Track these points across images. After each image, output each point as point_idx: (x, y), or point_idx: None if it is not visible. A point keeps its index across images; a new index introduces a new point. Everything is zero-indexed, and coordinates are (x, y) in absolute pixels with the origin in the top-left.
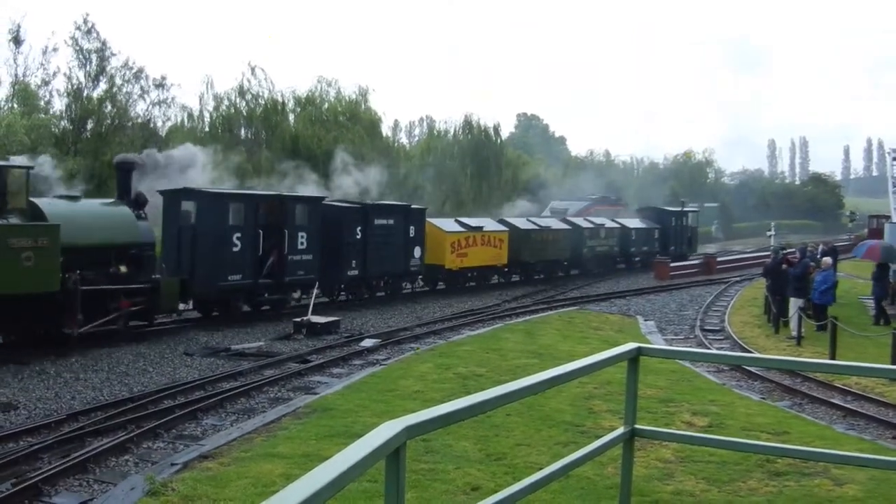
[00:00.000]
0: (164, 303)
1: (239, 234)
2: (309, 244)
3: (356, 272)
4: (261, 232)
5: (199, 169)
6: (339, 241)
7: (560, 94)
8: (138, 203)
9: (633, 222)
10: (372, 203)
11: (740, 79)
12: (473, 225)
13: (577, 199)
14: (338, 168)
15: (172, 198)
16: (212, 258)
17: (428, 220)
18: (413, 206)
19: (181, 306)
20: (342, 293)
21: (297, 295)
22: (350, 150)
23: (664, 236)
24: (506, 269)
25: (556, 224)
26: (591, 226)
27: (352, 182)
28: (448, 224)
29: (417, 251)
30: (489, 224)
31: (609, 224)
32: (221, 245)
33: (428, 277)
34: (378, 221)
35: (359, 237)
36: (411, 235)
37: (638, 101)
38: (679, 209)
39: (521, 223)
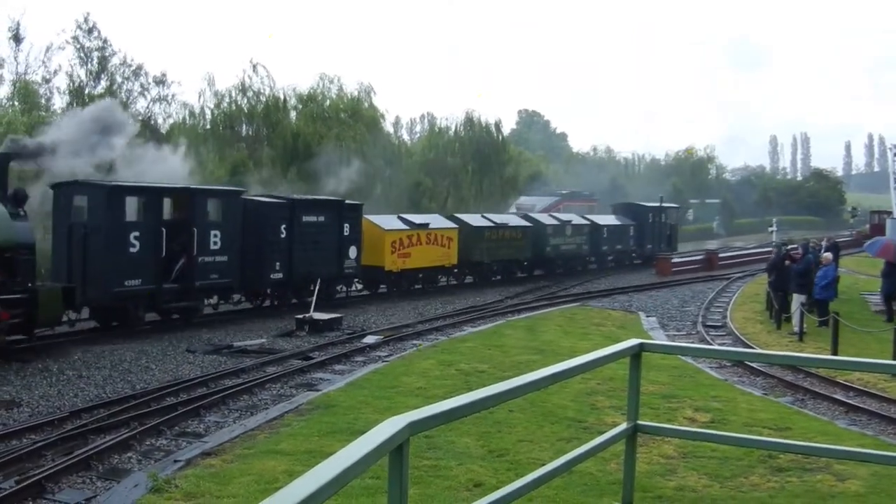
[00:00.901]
0: (42, 314)
1: (137, 233)
2: (224, 244)
3: (280, 275)
4: (164, 230)
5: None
6: (261, 240)
7: (561, 91)
8: (17, 199)
9: (606, 219)
10: (299, 198)
11: (741, 77)
12: (418, 222)
13: (546, 195)
14: (321, 168)
15: (64, 192)
16: (105, 260)
17: (366, 217)
18: (347, 202)
19: (74, 315)
20: (268, 299)
21: (213, 301)
22: (351, 147)
23: (640, 234)
24: (455, 271)
25: (514, 221)
26: (555, 222)
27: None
28: (388, 221)
29: (353, 251)
30: (436, 221)
31: (577, 221)
32: (117, 245)
33: (366, 280)
34: (307, 218)
35: (284, 236)
36: (345, 234)
37: (639, 99)
38: (657, 205)
39: (474, 219)
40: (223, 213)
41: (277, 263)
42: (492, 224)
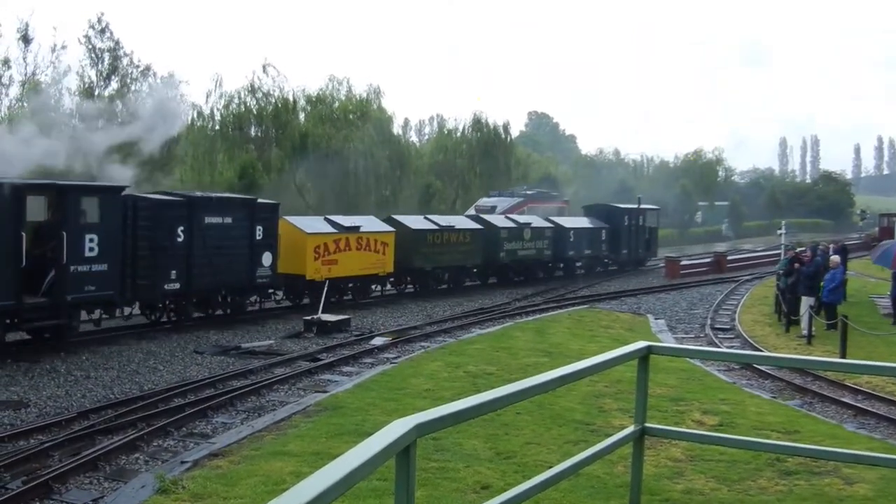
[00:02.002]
0: None
1: None
2: (102, 250)
3: (177, 286)
4: (24, 234)
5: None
6: (153, 245)
7: (570, 92)
8: None
9: (574, 221)
10: (200, 195)
11: (749, 78)
12: (347, 225)
13: (508, 195)
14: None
15: None
16: None
17: (285, 218)
18: (260, 201)
19: None
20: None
21: (94, 316)
22: (359, 148)
23: (614, 238)
24: (391, 279)
25: (462, 223)
26: (510, 225)
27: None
28: (312, 223)
29: (267, 258)
30: (370, 223)
31: (537, 223)
32: None
33: (286, 290)
34: (210, 220)
35: (181, 240)
36: (258, 238)
37: (647, 101)
38: (634, 206)
39: (414, 221)
40: (101, 214)
41: (173, 272)
42: (435, 227)
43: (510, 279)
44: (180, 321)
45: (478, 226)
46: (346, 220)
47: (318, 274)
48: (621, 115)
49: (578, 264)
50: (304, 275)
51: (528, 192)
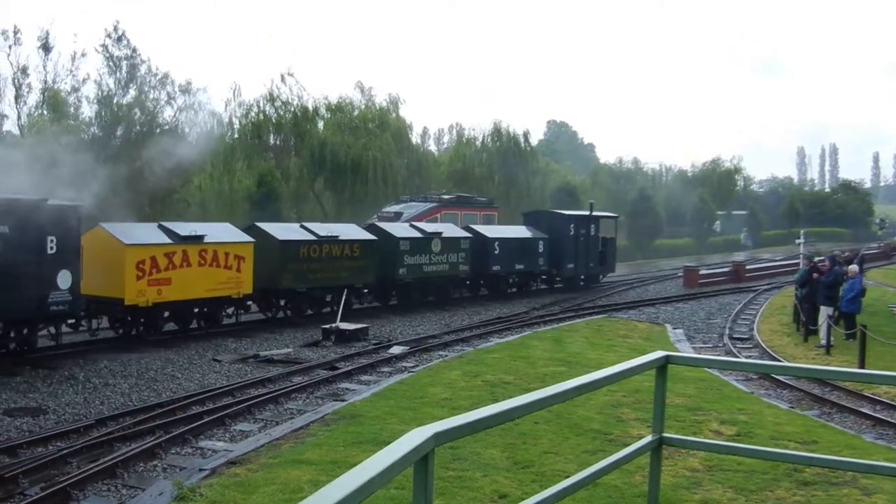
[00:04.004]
0: None
1: None
2: None
3: None
4: None
5: None
6: None
7: (589, 101)
8: None
9: (500, 231)
10: None
11: (767, 87)
12: (185, 234)
13: (420, 200)
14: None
15: None
16: None
17: (101, 225)
18: (52, 203)
19: None
20: None
21: None
22: (378, 156)
23: (555, 250)
24: (249, 303)
25: (349, 233)
26: (414, 235)
27: None
28: (136, 232)
29: (64, 278)
30: (218, 232)
31: (451, 233)
32: None
33: (97, 317)
34: None
35: None
36: (51, 251)
37: (665, 109)
38: (584, 213)
39: (283, 230)
40: None
41: None
42: (312, 237)
43: (413, 300)
44: None
45: (370, 236)
46: (183, 227)
47: (143, 297)
48: (640, 123)
49: (511, 280)
50: (123, 298)
51: (445, 197)
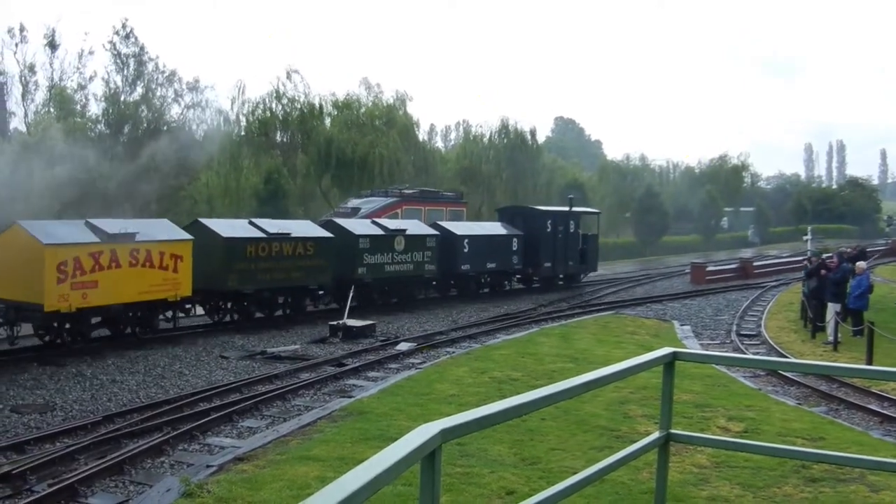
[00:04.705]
0: None
1: None
2: None
3: None
4: None
5: None
6: None
7: (596, 98)
8: None
9: (470, 227)
10: None
11: (774, 83)
12: (114, 231)
13: (381, 195)
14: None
15: None
16: None
17: (18, 223)
18: None
19: None
20: None
21: None
22: (385, 153)
23: (531, 248)
24: (188, 306)
25: (303, 229)
26: (375, 232)
27: None
28: (57, 230)
29: None
30: (154, 230)
31: (416, 230)
32: None
33: (16, 324)
34: None
35: None
36: None
37: (673, 105)
38: (563, 209)
39: (228, 227)
40: None
41: None
42: (261, 234)
43: (375, 301)
44: None
45: (325, 233)
46: (111, 225)
47: (66, 302)
48: (648, 120)
49: (484, 280)
50: (42, 304)
51: (408, 192)
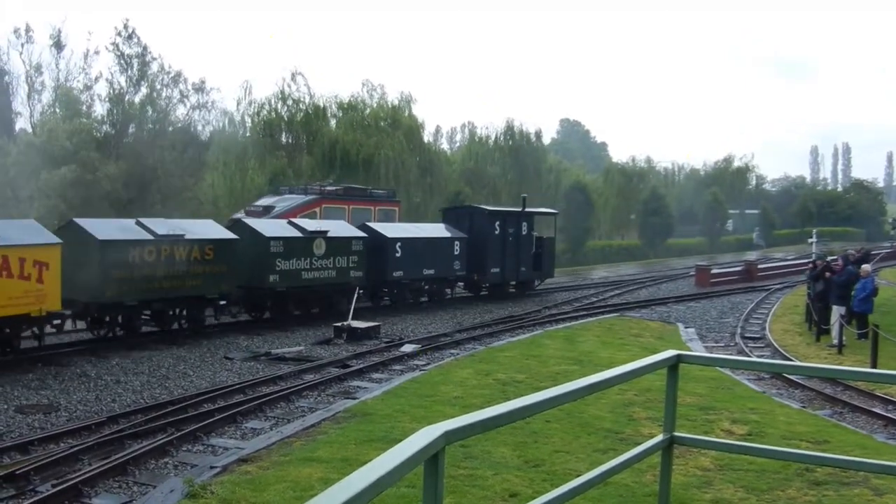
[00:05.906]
0: None
1: None
2: None
3: None
4: None
5: None
6: None
7: (602, 100)
8: None
9: (404, 229)
10: None
11: (780, 86)
12: None
13: (300, 192)
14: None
15: None
16: None
17: None
18: None
19: None
20: None
21: None
22: (390, 155)
23: (476, 253)
24: (57, 321)
25: (201, 231)
26: (290, 234)
27: None
28: None
29: None
30: (14, 232)
31: (339, 231)
32: None
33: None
34: None
35: None
36: None
37: (678, 108)
38: (515, 210)
39: (102, 228)
40: None
41: None
42: (147, 236)
43: (290, 314)
44: None
45: (227, 235)
46: None
47: None
48: (653, 122)
49: (423, 287)
50: None
51: (329, 188)
